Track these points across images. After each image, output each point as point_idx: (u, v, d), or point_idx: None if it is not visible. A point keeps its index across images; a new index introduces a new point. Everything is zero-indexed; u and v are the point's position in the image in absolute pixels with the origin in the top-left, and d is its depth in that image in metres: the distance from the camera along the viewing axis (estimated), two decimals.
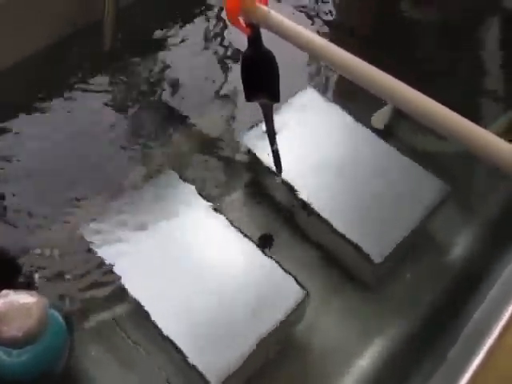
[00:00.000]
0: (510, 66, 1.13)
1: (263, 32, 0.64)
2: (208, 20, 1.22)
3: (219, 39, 1.18)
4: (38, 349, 0.62)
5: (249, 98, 0.73)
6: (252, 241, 0.77)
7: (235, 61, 1.12)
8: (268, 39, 0.64)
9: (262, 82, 0.69)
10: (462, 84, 1.08)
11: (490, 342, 0.59)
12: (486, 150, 0.44)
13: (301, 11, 1.23)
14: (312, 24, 1.21)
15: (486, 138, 0.45)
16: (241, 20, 0.62)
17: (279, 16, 0.58)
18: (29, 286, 0.79)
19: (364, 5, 1.25)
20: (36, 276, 0.80)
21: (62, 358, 0.67)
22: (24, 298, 0.61)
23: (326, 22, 1.22)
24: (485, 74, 1.14)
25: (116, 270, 0.73)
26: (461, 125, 0.46)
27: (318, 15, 1.23)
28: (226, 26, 1.20)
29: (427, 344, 0.75)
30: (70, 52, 1.11)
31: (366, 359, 0.76)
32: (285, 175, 0.83)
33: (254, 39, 0.65)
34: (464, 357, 0.60)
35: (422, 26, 1.21)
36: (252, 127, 0.89)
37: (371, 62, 0.54)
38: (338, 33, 1.20)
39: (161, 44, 1.16)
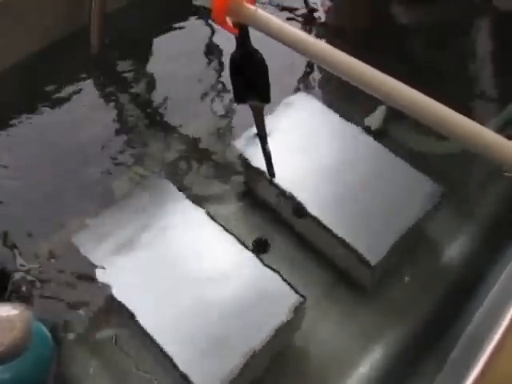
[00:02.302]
0: (503, 66, 1.13)
1: (253, 33, 0.63)
2: (196, 23, 1.21)
3: (208, 42, 1.18)
4: (24, 364, 0.60)
5: (239, 100, 0.71)
6: (246, 247, 0.75)
7: (225, 63, 1.12)
8: (259, 40, 0.63)
9: (252, 83, 0.68)
10: (456, 85, 1.08)
11: (491, 344, 0.58)
12: (489, 149, 0.43)
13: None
14: (302, 25, 1.20)
15: (487, 136, 0.44)
16: (228, 20, 0.61)
17: (267, 15, 0.57)
18: (17, 298, 0.77)
19: (355, 6, 1.24)
20: (24, 288, 0.78)
21: (50, 372, 0.65)
22: (6, 310, 0.59)
23: (316, 23, 1.21)
24: (478, 74, 1.14)
25: (108, 279, 0.71)
26: (463, 124, 0.45)
27: (306, 15, 1.23)
28: (214, 29, 1.19)
29: (427, 348, 0.73)
30: (57, 58, 1.10)
31: (365, 365, 0.75)
32: (278, 179, 0.82)
33: (242, 39, 0.64)
34: (465, 360, 0.59)
35: (414, 28, 1.21)
36: (243, 131, 0.88)
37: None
38: (328, 34, 1.20)
39: (149, 48, 1.15)
